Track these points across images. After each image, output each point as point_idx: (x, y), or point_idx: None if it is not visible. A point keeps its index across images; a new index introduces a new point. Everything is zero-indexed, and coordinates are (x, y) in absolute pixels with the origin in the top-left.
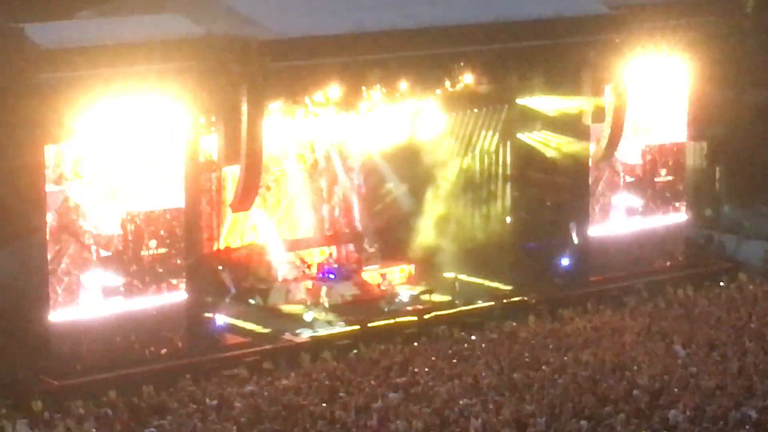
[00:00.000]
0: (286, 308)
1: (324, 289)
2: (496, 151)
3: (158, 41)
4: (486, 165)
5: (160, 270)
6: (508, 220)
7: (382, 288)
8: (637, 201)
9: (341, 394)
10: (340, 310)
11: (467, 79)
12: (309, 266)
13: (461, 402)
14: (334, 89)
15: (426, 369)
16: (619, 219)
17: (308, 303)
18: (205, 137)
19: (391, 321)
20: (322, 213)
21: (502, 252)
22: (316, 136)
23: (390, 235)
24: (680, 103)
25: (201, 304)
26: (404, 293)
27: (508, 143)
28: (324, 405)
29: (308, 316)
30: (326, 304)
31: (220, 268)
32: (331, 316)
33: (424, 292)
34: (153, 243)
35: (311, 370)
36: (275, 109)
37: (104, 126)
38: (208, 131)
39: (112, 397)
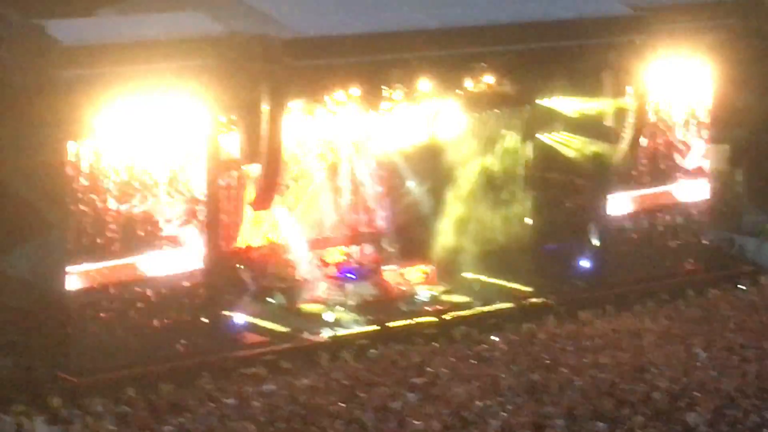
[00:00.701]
0: (305, 307)
1: (343, 289)
2: (517, 152)
3: (179, 39)
4: (506, 166)
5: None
6: (528, 221)
7: (401, 288)
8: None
9: (359, 394)
10: (359, 309)
11: (488, 79)
12: (328, 266)
13: (479, 403)
14: (354, 89)
15: (444, 369)
16: (639, 220)
17: (327, 302)
18: (225, 135)
19: (410, 321)
20: (341, 212)
21: (521, 253)
22: (337, 136)
23: (409, 235)
24: (702, 105)
25: (220, 303)
26: (423, 293)
27: (529, 144)
28: (342, 405)
29: (328, 316)
30: (345, 304)
31: (239, 266)
32: (350, 316)
33: (443, 293)
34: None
35: (330, 369)
36: (296, 108)
37: (125, 123)
38: (229, 129)
39: (131, 394)
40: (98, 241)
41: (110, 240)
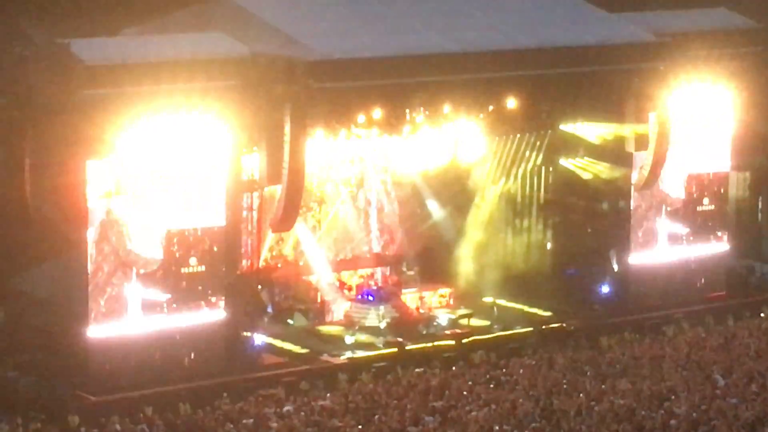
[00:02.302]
0: (325, 329)
1: (363, 311)
2: (538, 177)
3: (202, 59)
4: (527, 190)
5: (200, 288)
6: (549, 245)
7: (421, 311)
8: (678, 230)
9: (377, 416)
10: (379, 332)
11: (510, 103)
12: (349, 288)
13: (497, 428)
14: (377, 111)
15: (463, 393)
16: (661, 248)
17: (347, 325)
18: (247, 156)
19: (429, 344)
20: (362, 235)
21: (541, 278)
22: (358, 158)
23: (430, 259)
24: (724, 132)
25: (239, 323)
26: (443, 317)
27: (551, 169)
28: (360, 427)
29: (347, 338)
30: (364, 326)
31: (259, 287)
32: (369, 338)
33: (462, 317)
34: (193, 260)
35: (348, 391)
36: (318, 130)
37: (147, 143)
38: (251, 150)
39: (149, 414)
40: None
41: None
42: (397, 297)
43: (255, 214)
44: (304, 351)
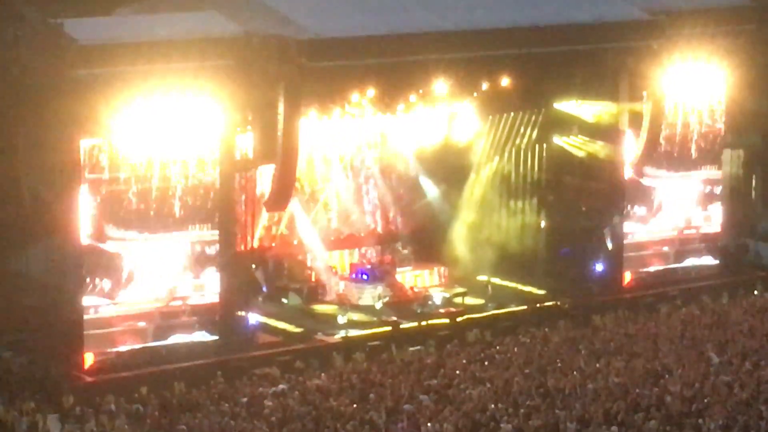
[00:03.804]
0: (319, 308)
1: (357, 290)
2: (532, 155)
3: (196, 39)
4: (521, 169)
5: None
6: (543, 224)
7: (415, 290)
8: (671, 207)
9: (372, 395)
10: (373, 311)
11: (504, 82)
12: (343, 267)
13: (492, 406)
14: (370, 90)
15: (458, 372)
16: (654, 225)
17: (341, 304)
18: (240, 135)
19: (424, 323)
20: (356, 214)
21: (535, 256)
22: (352, 137)
23: (424, 238)
24: (717, 110)
25: (234, 303)
26: (437, 296)
27: (545, 147)
28: (354, 406)
29: (341, 318)
30: (359, 305)
31: (254, 266)
32: (363, 318)
33: (456, 295)
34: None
35: (343, 370)
36: (312, 109)
37: (141, 122)
38: (244, 129)
39: (144, 393)
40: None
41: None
42: (392, 276)
43: (249, 193)
44: (298, 330)
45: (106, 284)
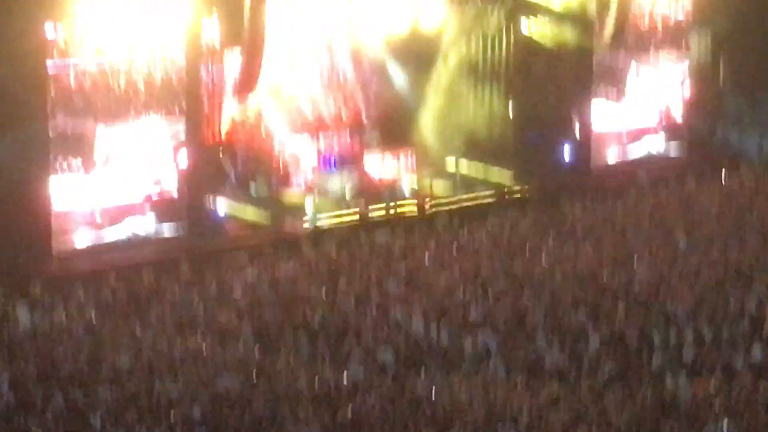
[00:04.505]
0: (287, 197)
1: (324, 178)
2: (500, 41)
3: None
4: (489, 55)
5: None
6: (510, 111)
7: (383, 177)
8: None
9: (341, 282)
10: (341, 198)
11: None
12: (311, 155)
13: (461, 290)
14: None
15: (426, 258)
16: (622, 110)
17: (309, 191)
18: (206, 19)
19: (392, 211)
20: (324, 100)
21: (503, 143)
22: (319, 22)
23: (392, 124)
24: None
25: (201, 192)
26: (405, 181)
27: (512, 34)
28: (324, 292)
29: (309, 205)
30: (326, 193)
31: (221, 154)
32: (331, 205)
33: (424, 181)
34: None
35: (311, 258)
36: None
37: (106, 4)
38: (210, 13)
39: (113, 282)
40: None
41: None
42: (359, 162)
43: (216, 78)
44: (266, 218)
45: (72, 173)
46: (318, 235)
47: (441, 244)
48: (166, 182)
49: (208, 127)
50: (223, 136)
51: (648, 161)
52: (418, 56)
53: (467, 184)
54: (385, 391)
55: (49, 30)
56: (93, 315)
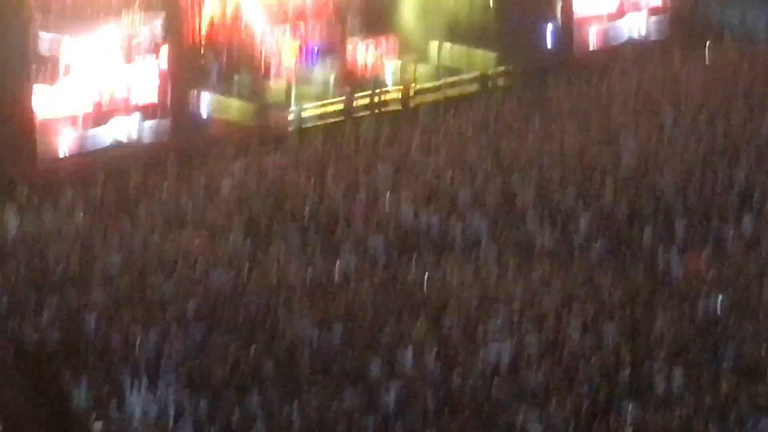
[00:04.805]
0: (271, 87)
1: (308, 67)
2: None
3: None
4: None
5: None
6: None
7: (367, 63)
8: None
9: (329, 170)
10: (325, 86)
11: None
12: (293, 46)
13: (449, 173)
14: None
15: (413, 144)
16: None
17: (293, 81)
18: None
19: (377, 98)
20: None
21: (486, 24)
22: None
23: (373, 8)
24: None
25: (185, 87)
26: (389, 67)
27: None
28: (313, 181)
29: (293, 96)
30: (311, 82)
31: (202, 51)
32: (316, 93)
33: (408, 65)
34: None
35: (298, 149)
36: None
37: None
38: None
39: (101, 182)
40: None
41: None
42: (342, 50)
43: None
44: (251, 110)
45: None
46: (304, 123)
47: (427, 128)
48: (149, 83)
49: (188, 24)
50: (203, 33)
51: (630, 39)
52: None
53: (450, 65)
54: (378, 279)
55: None
56: (81, 216)
